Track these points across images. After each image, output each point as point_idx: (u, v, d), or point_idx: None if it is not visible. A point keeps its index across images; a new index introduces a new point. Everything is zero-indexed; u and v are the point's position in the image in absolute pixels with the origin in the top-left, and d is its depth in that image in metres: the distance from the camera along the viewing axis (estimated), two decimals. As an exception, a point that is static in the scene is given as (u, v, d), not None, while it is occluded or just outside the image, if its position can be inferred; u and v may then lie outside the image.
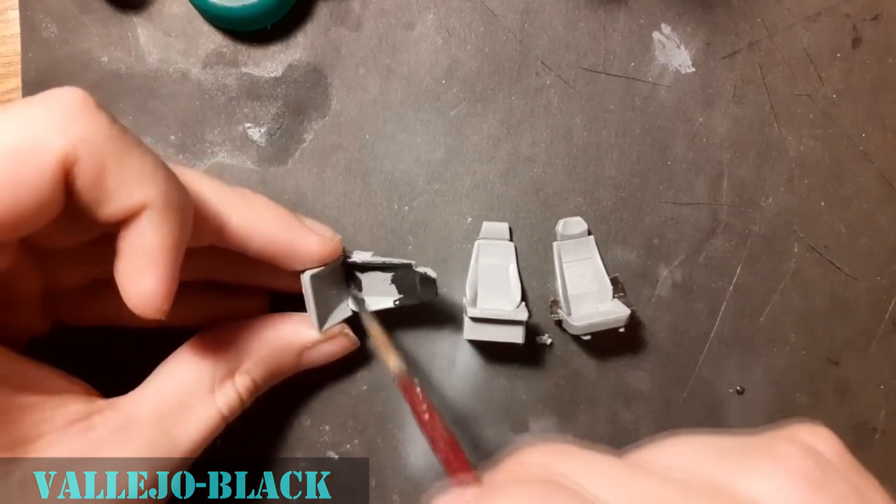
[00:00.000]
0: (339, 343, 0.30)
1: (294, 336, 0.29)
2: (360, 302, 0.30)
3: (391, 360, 0.27)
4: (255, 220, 0.26)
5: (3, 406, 0.22)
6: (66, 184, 0.20)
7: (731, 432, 0.18)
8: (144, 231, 0.21)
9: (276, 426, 0.32)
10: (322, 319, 0.29)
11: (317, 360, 0.30)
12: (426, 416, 0.24)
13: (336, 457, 0.32)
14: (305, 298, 0.28)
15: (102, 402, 0.25)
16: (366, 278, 0.30)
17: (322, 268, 0.28)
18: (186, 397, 0.26)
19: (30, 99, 0.20)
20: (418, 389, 0.25)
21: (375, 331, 0.29)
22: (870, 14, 0.34)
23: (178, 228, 0.22)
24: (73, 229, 0.22)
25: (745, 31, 0.33)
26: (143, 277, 0.21)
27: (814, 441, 0.17)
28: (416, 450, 0.32)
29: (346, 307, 0.30)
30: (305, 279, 0.28)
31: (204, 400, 0.26)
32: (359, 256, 0.30)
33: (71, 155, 0.20)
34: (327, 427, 0.32)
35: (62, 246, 0.24)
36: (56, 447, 0.23)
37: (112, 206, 0.21)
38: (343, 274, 0.30)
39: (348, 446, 0.32)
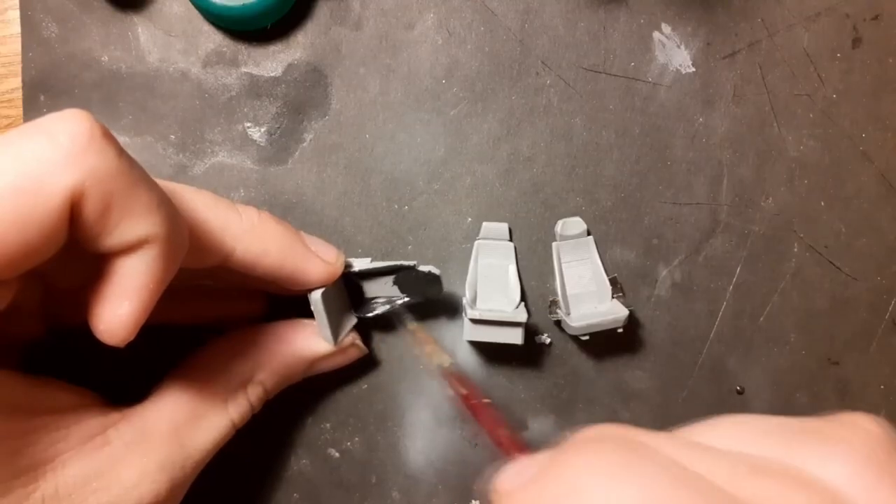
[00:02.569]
0: (350, 353, 0.30)
1: (307, 349, 0.29)
2: (393, 307, 0.30)
3: (441, 357, 0.27)
4: (260, 252, 0.26)
5: (19, 431, 0.22)
6: (71, 217, 0.19)
7: (778, 418, 0.17)
8: (138, 265, 0.20)
9: (278, 424, 0.32)
10: (335, 334, 0.29)
11: (327, 368, 0.30)
12: (480, 406, 0.24)
13: (337, 454, 0.32)
14: (316, 317, 0.28)
15: (116, 415, 0.25)
16: (368, 284, 0.30)
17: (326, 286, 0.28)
18: (200, 409, 0.26)
19: (33, 127, 0.19)
20: (470, 382, 0.25)
21: (419, 331, 0.29)
22: (870, 14, 0.34)
23: (171, 266, 0.21)
24: (70, 255, 0.21)
25: (745, 31, 0.33)
26: (119, 306, 0.20)
27: (872, 427, 0.16)
28: (416, 447, 0.32)
29: (352, 316, 0.30)
30: (316, 300, 0.27)
31: (217, 410, 0.27)
32: (359, 264, 0.30)
33: (78, 191, 0.19)
34: (328, 425, 0.32)
35: (56, 272, 0.24)
36: (73, 465, 0.23)
37: (113, 239, 0.20)
38: (344, 283, 0.30)
39: (349, 444, 0.32)
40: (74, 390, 0.25)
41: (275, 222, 0.27)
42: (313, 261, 0.27)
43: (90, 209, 0.19)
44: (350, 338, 0.30)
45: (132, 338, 0.21)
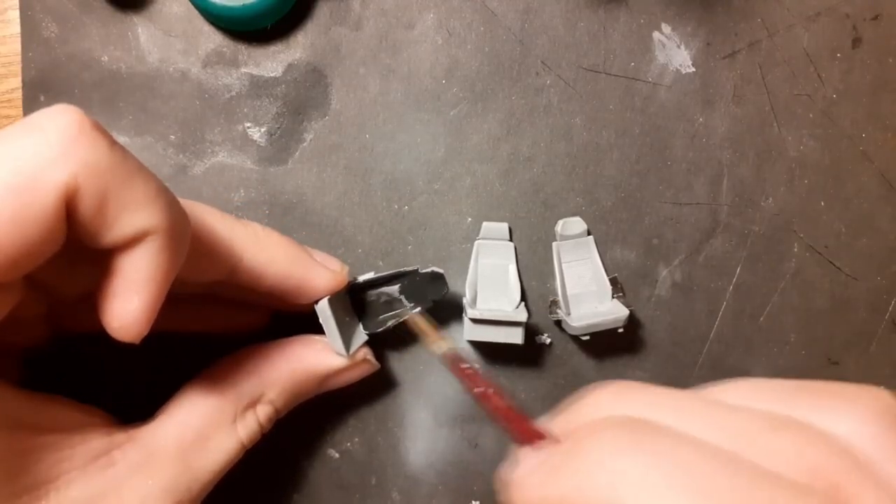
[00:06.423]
0: (362, 368, 0.30)
1: (319, 365, 0.28)
2: (402, 318, 0.30)
3: (442, 343, 0.27)
4: (266, 260, 0.26)
5: (23, 448, 0.22)
6: (68, 214, 0.19)
7: (792, 381, 0.18)
8: (142, 257, 0.20)
9: (276, 425, 0.32)
10: (346, 345, 0.29)
11: (339, 384, 0.30)
12: (483, 391, 0.23)
13: (336, 455, 0.32)
14: (325, 326, 0.28)
15: (122, 436, 0.25)
16: (372, 299, 0.30)
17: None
18: (208, 429, 0.26)
19: (23, 125, 0.19)
20: (470, 366, 0.25)
21: (419, 318, 0.29)
22: (870, 14, 0.34)
23: (176, 256, 0.21)
24: (73, 261, 0.21)
25: (745, 31, 0.33)
26: (129, 301, 0.20)
27: (882, 394, 0.17)
28: (417, 447, 0.32)
29: (362, 331, 0.30)
30: (323, 308, 0.27)
31: (226, 431, 0.26)
32: (362, 277, 0.30)
33: (72, 186, 0.19)
34: (327, 425, 0.32)
35: (61, 280, 0.23)
36: (76, 486, 0.22)
37: (114, 233, 0.20)
38: (349, 298, 0.30)
39: (348, 444, 0.32)
40: (81, 408, 0.25)
41: (278, 234, 0.27)
42: (319, 269, 0.27)
43: (86, 204, 0.19)
44: (362, 352, 0.30)
45: (145, 332, 0.21)
